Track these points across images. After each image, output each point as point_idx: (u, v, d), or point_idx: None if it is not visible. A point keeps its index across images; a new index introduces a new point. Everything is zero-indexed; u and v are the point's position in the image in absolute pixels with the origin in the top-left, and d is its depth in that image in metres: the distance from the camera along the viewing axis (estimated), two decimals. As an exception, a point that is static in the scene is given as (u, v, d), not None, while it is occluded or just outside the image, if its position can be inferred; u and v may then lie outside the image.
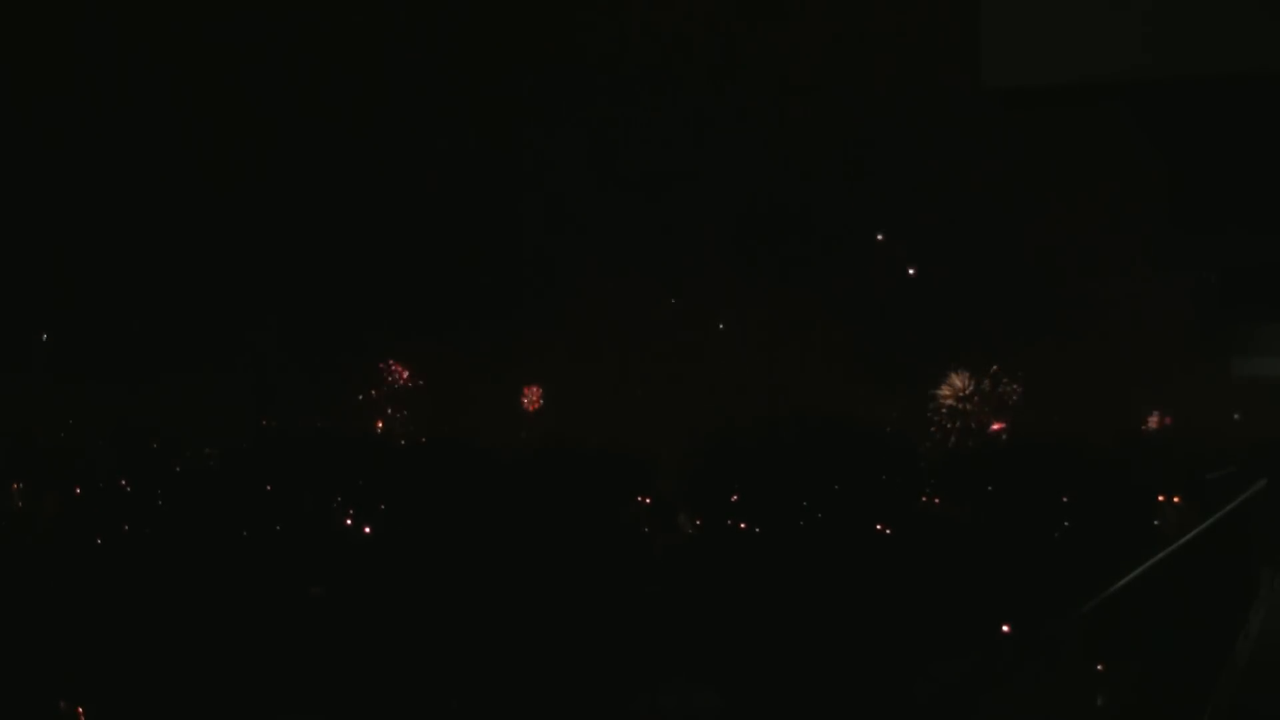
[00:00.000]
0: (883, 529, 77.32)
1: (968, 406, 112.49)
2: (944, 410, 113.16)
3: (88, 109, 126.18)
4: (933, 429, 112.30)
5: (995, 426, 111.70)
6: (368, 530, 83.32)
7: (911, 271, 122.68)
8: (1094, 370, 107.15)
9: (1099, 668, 6.60)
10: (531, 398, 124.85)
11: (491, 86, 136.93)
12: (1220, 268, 11.39)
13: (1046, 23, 4.89)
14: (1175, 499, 73.69)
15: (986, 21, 4.90)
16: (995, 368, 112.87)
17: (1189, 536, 9.16)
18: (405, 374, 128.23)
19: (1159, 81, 4.97)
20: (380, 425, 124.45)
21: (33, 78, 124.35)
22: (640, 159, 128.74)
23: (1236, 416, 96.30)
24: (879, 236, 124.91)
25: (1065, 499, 78.28)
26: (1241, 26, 4.67)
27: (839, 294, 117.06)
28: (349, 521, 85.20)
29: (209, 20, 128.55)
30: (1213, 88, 5.19)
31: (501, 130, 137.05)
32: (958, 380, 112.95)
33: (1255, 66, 4.70)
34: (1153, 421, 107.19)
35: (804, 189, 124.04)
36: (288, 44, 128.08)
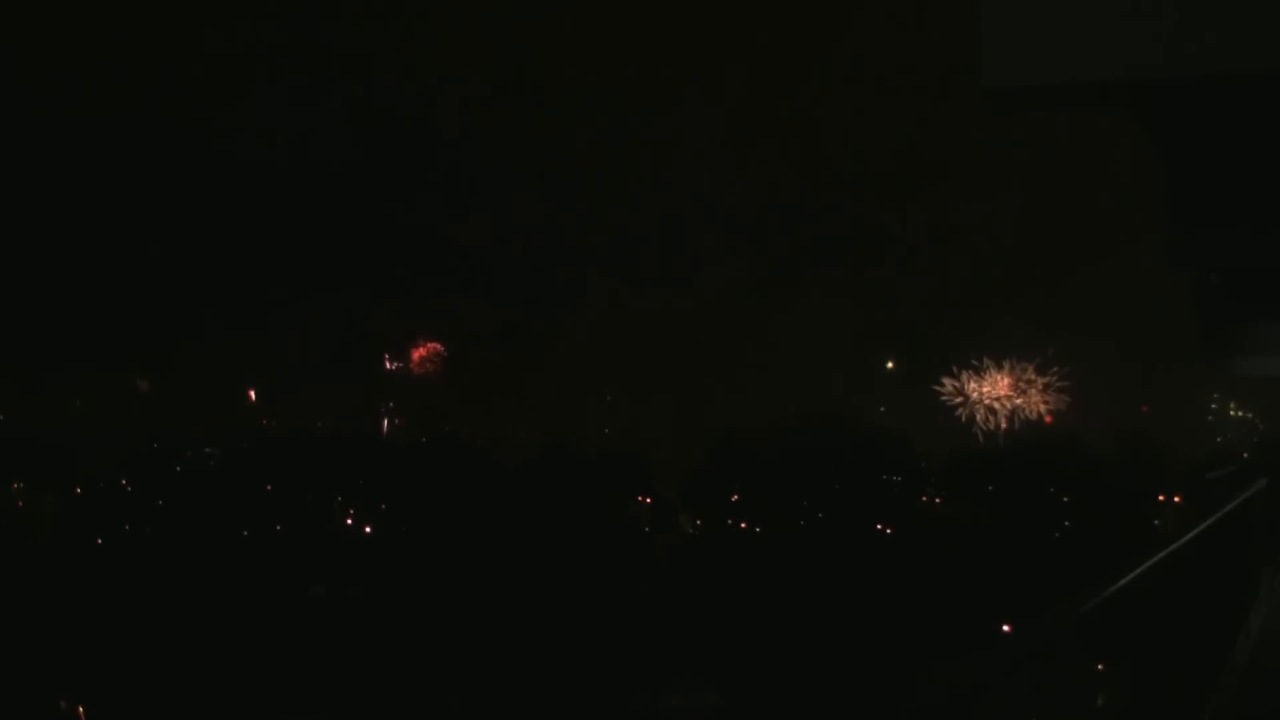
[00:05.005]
0: (883, 529, 77.28)
1: (1022, 400, 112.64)
2: (988, 403, 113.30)
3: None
4: (981, 416, 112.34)
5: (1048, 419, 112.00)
6: (368, 530, 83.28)
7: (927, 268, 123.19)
8: (1096, 369, 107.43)
9: (1099, 668, 6.59)
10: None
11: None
12: (1221, 267, 11.40)
13: (1046, 23, 4.90)
14: (1175, 499, 73.74)
15: (987, 21, 4.91)
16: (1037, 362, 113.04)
17: (1189, 536, 9.15)
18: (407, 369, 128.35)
19: (1160, 81, 4.98)
20: (382, 425, 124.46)
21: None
22: (645, 163, 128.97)
23: (1238, 415, 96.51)
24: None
25: (1065, 499, 78.22)
26: (1243, 25, 4.68)
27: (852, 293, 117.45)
28: (349, 521, 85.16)
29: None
30: (1214, 87, 5.19)
31: (502, 130, 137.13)
32: (1009, 375, 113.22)
33: (1257, 66, 4.70)
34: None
35: (811, 190, 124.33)
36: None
